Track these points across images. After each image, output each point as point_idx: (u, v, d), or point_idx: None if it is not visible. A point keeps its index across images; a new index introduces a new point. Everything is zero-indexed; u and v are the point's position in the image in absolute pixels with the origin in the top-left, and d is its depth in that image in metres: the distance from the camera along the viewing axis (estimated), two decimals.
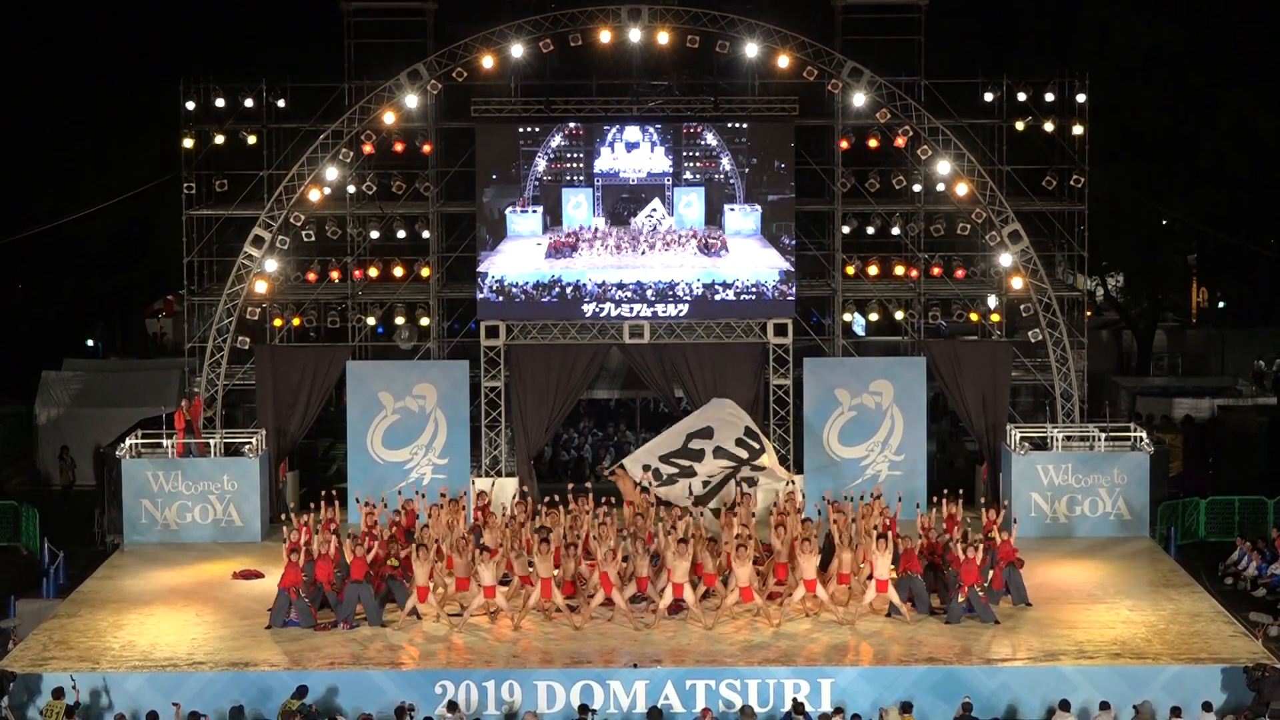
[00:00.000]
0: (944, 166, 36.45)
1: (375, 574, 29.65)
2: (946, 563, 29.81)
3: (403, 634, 28.77)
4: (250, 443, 35.58)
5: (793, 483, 34.03)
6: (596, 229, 36.91)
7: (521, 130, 36.93)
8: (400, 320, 39.00)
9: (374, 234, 38.27)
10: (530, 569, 29.46)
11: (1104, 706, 25.81)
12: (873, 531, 29.77)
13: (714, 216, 36.91)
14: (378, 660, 27.39)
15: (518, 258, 37.06)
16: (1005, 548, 30.15)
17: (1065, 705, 25.89)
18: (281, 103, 38.97)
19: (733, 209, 36.97)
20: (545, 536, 29.59)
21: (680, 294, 36.92)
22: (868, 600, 29.31)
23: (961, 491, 32.65)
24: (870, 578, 29.25)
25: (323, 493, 32.26)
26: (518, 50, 36.09)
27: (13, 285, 55.07)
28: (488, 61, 36.08)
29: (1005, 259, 36.61)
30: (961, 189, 36.39)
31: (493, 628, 28.96)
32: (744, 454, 33.89)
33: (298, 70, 39.46)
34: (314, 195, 36.44)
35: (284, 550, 29.75)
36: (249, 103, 38.51)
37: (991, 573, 29.97)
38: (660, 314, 36.92)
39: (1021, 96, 38.34)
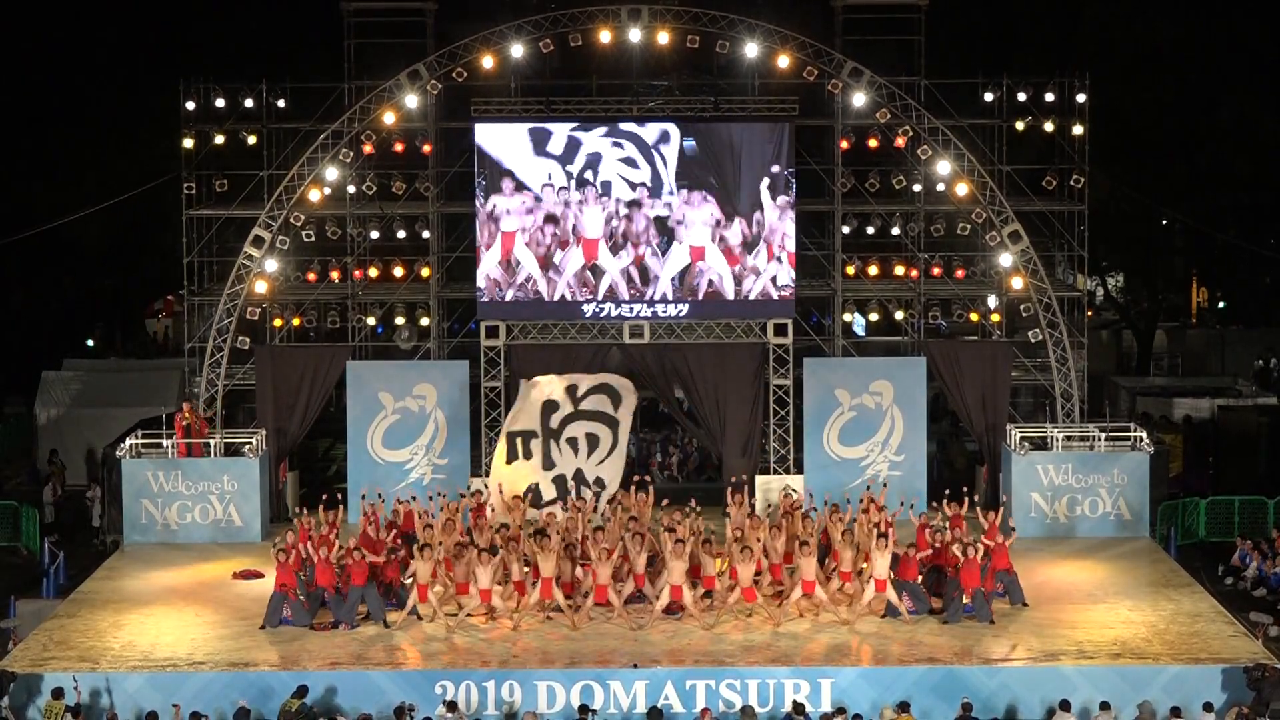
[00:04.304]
0: (944, 166, 36.43)
1: (379, 580, 29.62)
2: (949, 566, 29.80)
3: (402, 634, 28.76)
4: (250, 443, 35.57)
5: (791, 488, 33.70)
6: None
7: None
8: (400, 320, 38.98)
9: (374, 234, 38.29)
10: (526, 571, 29.46)
11: (1104, 707, 25.80)
12: (872, 530, 29.76)
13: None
14: (378, 660, 27.39)
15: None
16: (1000, 555, 29.99)
17: (1065, 705, 25.88)
18: (281, 103, 39.00)
19: None
20: (544, 534, 29.64)
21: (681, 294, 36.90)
22: (866, 600, 29.27)
23: (966, 489, 32.72)
24: (869, 577, 29.25)
25: (323, 496, 32.03)
26: (518, 50, 36.08)
27: (13, 285, 55.06)
28: (488, 61, 36.07)
29: (1005, 259, 36.59)
30: (961, 189, 36.38)
31: (492, 628, 28.94)
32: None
33: (298, 70, 39.51)
34: (314, 195, 36.43)
35: (272, 552, 29.52)
36: (249, 103, 38.55)
37: (986, 574, 29.99)
38: (660, 314, 36.88)
39: (1021, 97, 38.36)
